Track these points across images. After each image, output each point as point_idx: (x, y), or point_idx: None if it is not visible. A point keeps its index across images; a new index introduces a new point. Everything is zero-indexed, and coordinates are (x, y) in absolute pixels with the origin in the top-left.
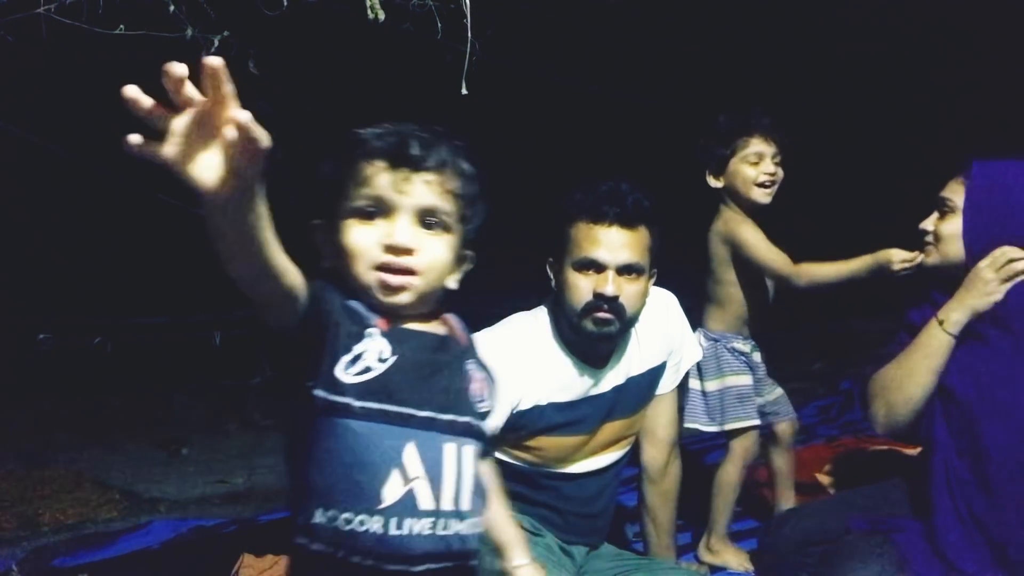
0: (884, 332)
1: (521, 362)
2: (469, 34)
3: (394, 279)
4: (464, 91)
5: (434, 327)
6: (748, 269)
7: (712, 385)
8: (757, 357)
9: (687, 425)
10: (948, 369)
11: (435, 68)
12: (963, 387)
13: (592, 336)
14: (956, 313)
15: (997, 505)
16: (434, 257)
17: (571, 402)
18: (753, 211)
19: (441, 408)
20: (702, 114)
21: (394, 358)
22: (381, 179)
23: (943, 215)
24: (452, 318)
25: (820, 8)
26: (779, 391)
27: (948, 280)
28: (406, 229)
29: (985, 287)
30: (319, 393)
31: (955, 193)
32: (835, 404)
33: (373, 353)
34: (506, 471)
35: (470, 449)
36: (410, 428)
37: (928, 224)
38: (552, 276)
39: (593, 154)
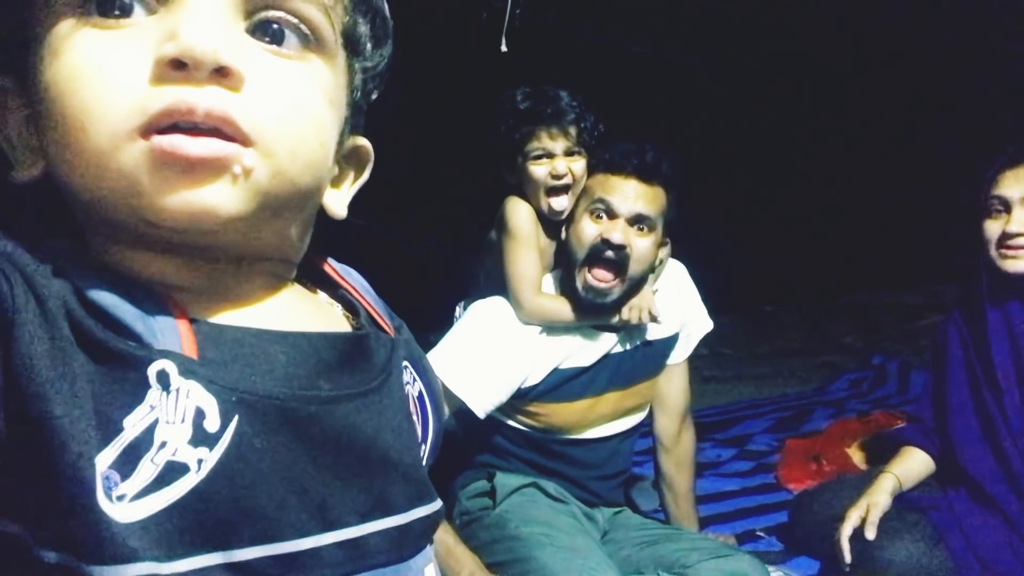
0: (917, 306)
1: (528, 332)
2: None
3: (193, 146)
4: (504, 48)
5: (322, 309)
6: None
7: None
8: None
9: None
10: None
11: (472, 25)
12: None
13: (582, 302)
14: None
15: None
16: (295, 99)
17: (579, 368)
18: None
19: (374, 507)
20: (743, 77)
21: (236, 425)
22: None
23: None
24: (344, 271)
25: None
26: None
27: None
28: (208, 23)
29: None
30: (53, 560)
31: None
32: (867, 378)
33: (177, 432)
34: (516, 437)
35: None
36: None
37: (1019, 225)
38: (564, 233)
39: (631, 115)
